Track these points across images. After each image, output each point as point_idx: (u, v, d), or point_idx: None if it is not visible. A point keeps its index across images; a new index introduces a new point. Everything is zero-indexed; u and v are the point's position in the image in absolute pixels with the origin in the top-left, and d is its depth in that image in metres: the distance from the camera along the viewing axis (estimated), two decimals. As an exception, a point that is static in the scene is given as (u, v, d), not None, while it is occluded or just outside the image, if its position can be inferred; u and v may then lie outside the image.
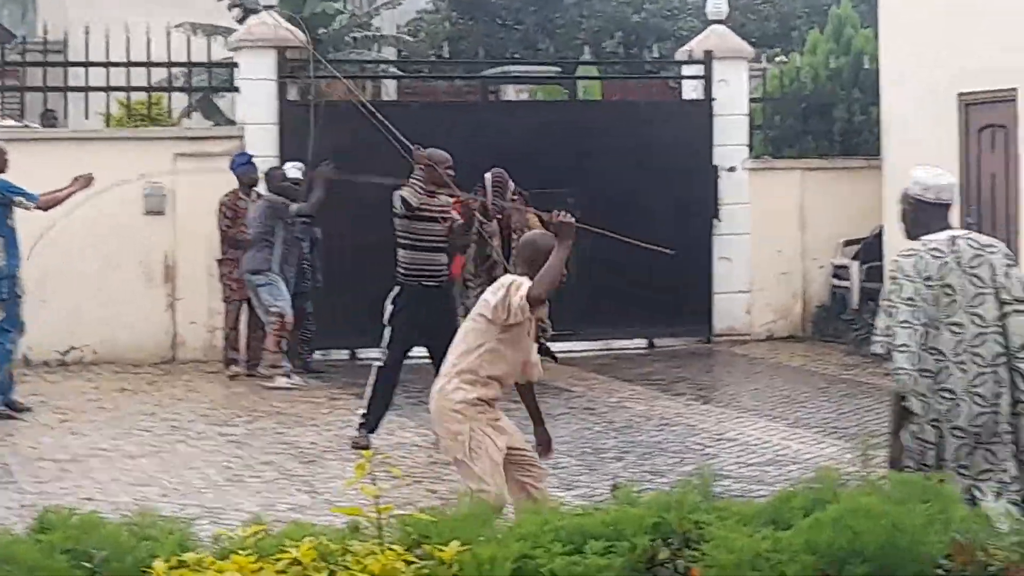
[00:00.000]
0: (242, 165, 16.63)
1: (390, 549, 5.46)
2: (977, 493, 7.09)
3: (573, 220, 8.16)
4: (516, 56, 32.13)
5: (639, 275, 18.62)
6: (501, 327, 8.16)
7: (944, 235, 7.33)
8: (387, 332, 12.45)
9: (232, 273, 16.41)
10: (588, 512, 5.57)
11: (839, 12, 22.22)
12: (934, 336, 7.16)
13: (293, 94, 18.41)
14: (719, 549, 5.11)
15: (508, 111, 21.09)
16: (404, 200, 12.50)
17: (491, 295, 8.23)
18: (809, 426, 13.39)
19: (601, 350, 18.58)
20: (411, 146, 12.77)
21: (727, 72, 19.47)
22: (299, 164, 16.81)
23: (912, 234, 7.45)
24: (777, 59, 28.20)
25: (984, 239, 7.43)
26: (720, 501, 5.70)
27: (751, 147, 19.83)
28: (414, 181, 12.45)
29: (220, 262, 16.61)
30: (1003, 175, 16.62)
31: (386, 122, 12.89)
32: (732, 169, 19.38)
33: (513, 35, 33.89)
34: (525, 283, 8.09)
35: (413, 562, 5.45)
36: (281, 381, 15.66)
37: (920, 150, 17.34)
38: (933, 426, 7.19)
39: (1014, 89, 16.25)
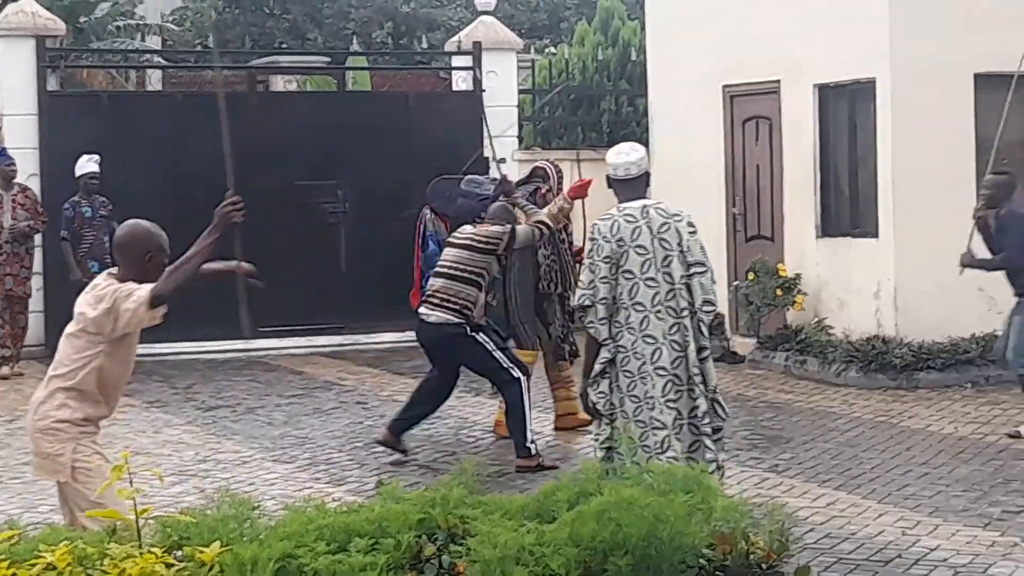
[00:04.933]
0: None
1: (149, 552, 5.31)
2: (706, 442, 8.35)
3: (237, 210, 7.24)
4: (284, 46, 31.85)
5: (409, 267, 18.57)
6: (109, 341, 7.16)
7: (638, 203, 8.42)
8: None
9: None
10: (353, 509, 5.49)
11: (606, 4, 22.46)
12: (634, 290, 8.24)
13: (53, 84, 17.96)
14: (484, 544, 5.06)
15: (276, 102, 20.84)
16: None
17: (89, 307, 7.16)
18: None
19: (371, 343, 18.48)
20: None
21: (496, 63, 19.51)
22: (95, 156, 16.43)
23: (620, 204, 8.50)
24: (546, 50, 28.35)
25: (672, 209, 8.46)
26: (486, 496, 5.66)
27: (521, 138, 19.89)
28: None
29: None
30: (767, 166, 16.88)
31: None
32: (502, 160, 19.33)
33: (281, 25, 33.57)
34: (137, 289, 7.06)
35: (173, 564, 5.31)
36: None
37: (686, 141, 17.60)
38: (639, 370, 8.22)
39: (777, 81, 16.53)
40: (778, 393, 14.48)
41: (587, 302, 8.27)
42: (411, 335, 18.72)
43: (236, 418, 13.83)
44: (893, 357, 14.55)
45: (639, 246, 8.24)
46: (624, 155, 8.53)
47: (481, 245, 11.48)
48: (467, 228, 11.75)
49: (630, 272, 8.23)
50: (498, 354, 11.42)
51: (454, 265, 11.48)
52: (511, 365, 11.41)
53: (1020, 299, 12.41)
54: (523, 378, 11.40)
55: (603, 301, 8.23)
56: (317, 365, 17.05)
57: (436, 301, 11.46)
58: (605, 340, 8.25)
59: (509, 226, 11.59)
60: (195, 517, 5.51)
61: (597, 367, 8.31)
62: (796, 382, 15.00)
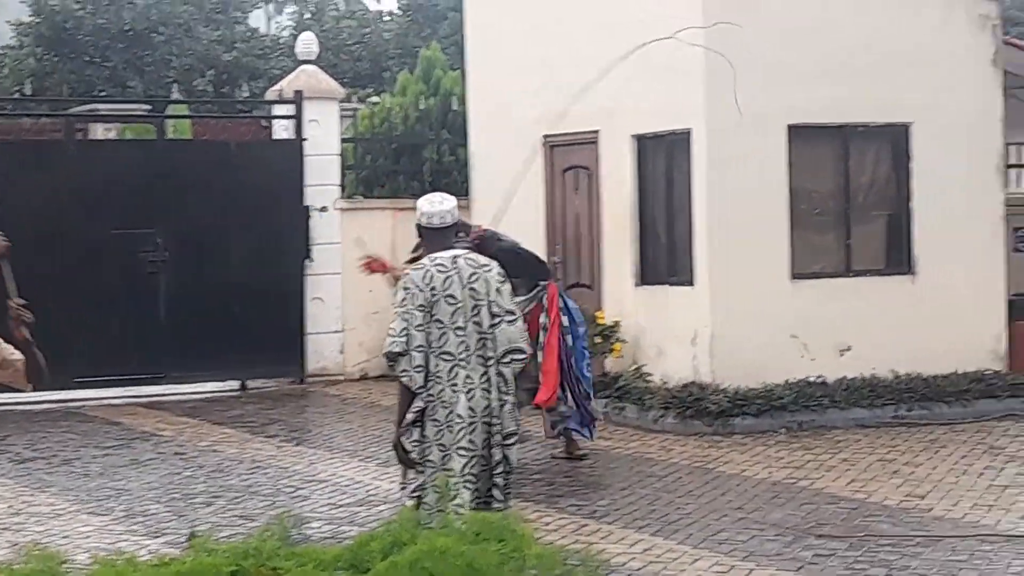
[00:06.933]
0: None
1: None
2: (495, 493, 8.40)
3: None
4: (104, 94, 31.53)
5: (230, 316, 18.49)
6: None
7: (448, 253, 8.52)
8: None
9: None
10: (164, 562, 5.44)
11: (428, 54, 22.56)
12: (443, 339, 8.31)
13: None
14: (296, 596, 5.05)
15: (95, 150, 20.61)
16: None
17: None
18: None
19: (191, 393, 18.32)
20: None
21: (318, 112, 19.50)
22: None
23: (429, 254, 8.60)
24: (369, 99, 28.39)
25: (482, 259, 8.61)
26: (300, 546, 5.64)
27: (343, 187, 19.89)
28: None
29: None
30: (587, 215, 17.07)
31: None
32: (324, 209, 19.40)
33: (101, 72, 33.24)
34: None
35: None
36: None
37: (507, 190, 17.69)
38: (445, 418, 8.29)
39: (596, 131, 16.72)
40: (597, 440, 14.59)
41: (398, 348, 8.27)
42: (231, 384, 18.77)
43: (51, 470, 13.61)
44: (709, 403, 14.76)
45: (450, 295, 8.34)
46: (438, 204, 8.64)
47: None
48: None
49: (440, 321, 8.31)
50: None
51: None
52: None
53: None
54: None
55: (419, 349, 8.28)
56: (135, 415, 16.85)
57: None
58: (419, 389, 8.29)
59: None
60: (1, 572, 5.43)
61: (410, 416, 8.34)
62: (615, 428, 15.14)
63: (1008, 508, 11.22)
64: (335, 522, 11.17)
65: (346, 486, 12.66)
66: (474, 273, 8.42)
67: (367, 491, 12.39)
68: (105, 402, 17.75)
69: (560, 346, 13.17)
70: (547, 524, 10.84)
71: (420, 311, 8.31)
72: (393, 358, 8.32)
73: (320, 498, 12.16)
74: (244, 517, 11.40)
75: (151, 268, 18.48)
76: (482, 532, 5.25)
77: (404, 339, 8.27)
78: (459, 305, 8.34)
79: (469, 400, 8.31)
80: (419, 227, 8.71)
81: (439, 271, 8.38)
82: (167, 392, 18.24)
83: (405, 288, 8.39)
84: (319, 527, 10.86)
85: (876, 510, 11.22)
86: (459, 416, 8.29)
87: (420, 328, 8.30)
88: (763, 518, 11.01)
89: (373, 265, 13.05)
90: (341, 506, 11.83)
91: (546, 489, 12.31)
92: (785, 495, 11.84)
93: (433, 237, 8.63)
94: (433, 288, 8.33)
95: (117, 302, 18.24)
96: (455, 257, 8.48)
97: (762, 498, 11.74)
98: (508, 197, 13.19)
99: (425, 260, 8.50)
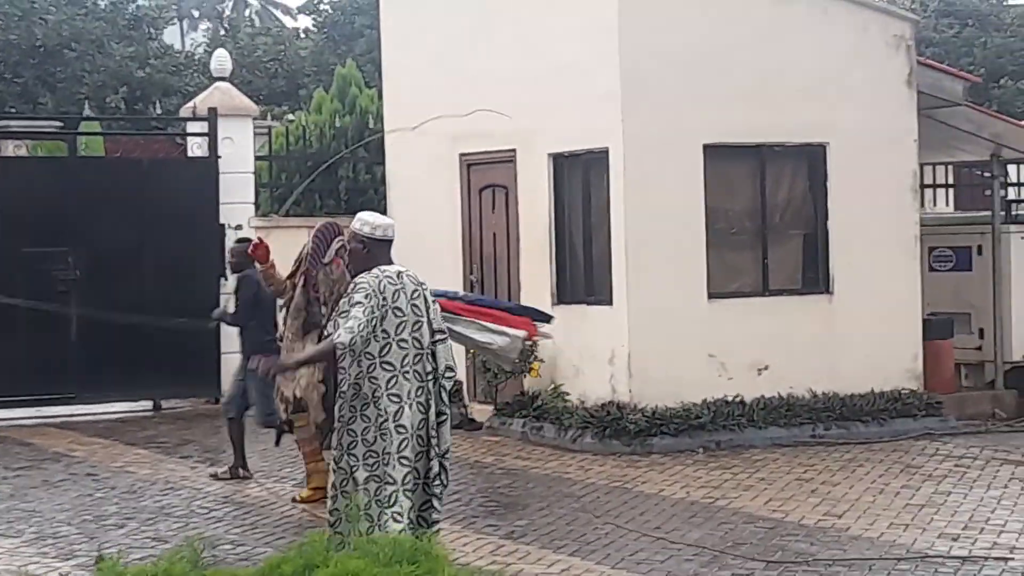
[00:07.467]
0: None
1: None
2: (434, 503, 8.88)
3: None
4: (15, 110, 31.18)
5: (144, 335, 18.27)
6: None
7: (394, 268, 8.88)
8: None
9: None
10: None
11: (344, 72, 22.47)
12: (386, 350, 8.67)
13: None
14: (206, 620, 4.94)
15: (5, 167, 20.34)
16: None
17: None
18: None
19: (104, 413, 18.11)
20: None
21: (232, 129, 19.36)
22: None
23: (364, 268, 8.89)
24: (284, 117, 28.25)
25: (420, 277, 8.98)
26: (211, 569, 5.54)
27: (257, 205, 19.74)
28: None
29: None
30: (504, 233, 17.00)
31: None
32: (238, 227, 19.24)
33: (12, 89, 32.87)
34: None
35: None
36: None
37: (424, 209, 17.65)
38: (381, 426, 8.66)
39: (513, 150, 16.67)
40: (515, 460, 14.54)
41: (360, 342, 8.54)
42: (145, 404, 18.57)
43: (-41, 492, 13.40)
44: (627, 423, 14.72)
45: (397, 308, 8.72)
46: (383, 218, 9.05)
47: None
48: None
49: (386, 331, 8.65)
50: None
51: None
52: None
53: (248, 360, 12.91)
54: None
55: (362, 328, 8.56)
56: (46, 436, 16.63)
57: None
58: (343, 364, 8.63)
59: None
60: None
61: (347, 412, 8.68)
62: (533, 448, 15.08)
63: (924, 527, 11.24)
64: (248, 544, 11.02)
65: (261, 507, 12.51)
66: (415, 290, 8.85)
67: (281, 513, 12.25)
68: (16, 422, 17.51)
69: (475, 303, 13.24)
70: (464, 545, 10.74)
71: (369, 302, 8.64)
72: (344, 349, 8.53)
73: (234, 520, 12.01)
74: (157, 539, 11.24)
75: (62, 287, 18.26)
76: (395, 555, 5.17)
77: (365, 333, 8.54)
78: (404, 319, 8.72)
79: (410, 412, 8.67)
80: (363, 239, 8.92)
81: (389, 283, 8.75)
82: (79, 412, 18.04)
83: (362, 288, 8.66)
84: (232, 549, 10.72)
85: (793, 529, 11.21)
86: (402, 426, 8.63)
87: (369, 314, 8.61)
88: (681, 538, 10.96)
89: (260, 248, 12.67)
90: (256, 528, 11.69)
91: (463, 509, 12.21)
92: (703, 515, 11.81)
93: (379, 248, 8.92)
94: (385, 298, 8.71)
95: (28, 321, 17.99)
96: (400, 272, 8.87)
97: (680, 518, 11.70)
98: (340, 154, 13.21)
99: (376, 271, 8.78)
